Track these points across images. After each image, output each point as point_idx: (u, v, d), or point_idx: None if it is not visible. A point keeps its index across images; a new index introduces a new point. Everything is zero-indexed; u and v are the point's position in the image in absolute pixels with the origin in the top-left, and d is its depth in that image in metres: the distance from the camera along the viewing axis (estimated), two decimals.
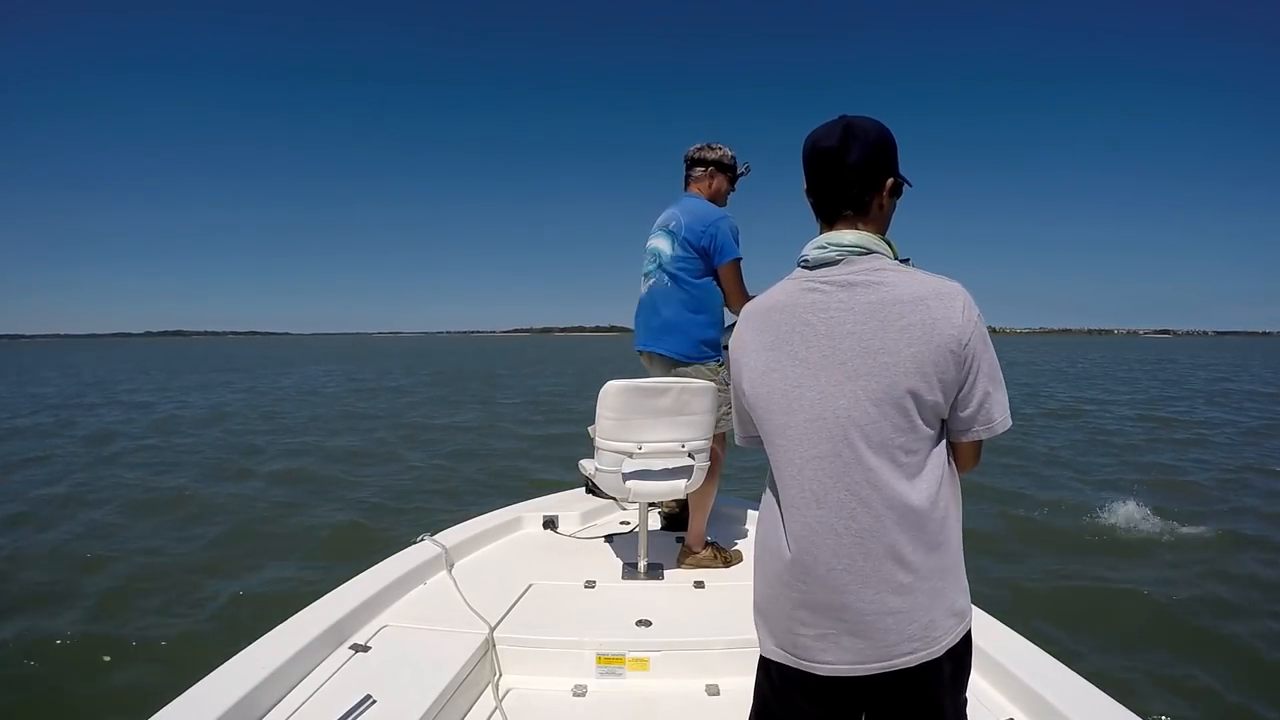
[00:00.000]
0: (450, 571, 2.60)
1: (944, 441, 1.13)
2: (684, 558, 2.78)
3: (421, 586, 2.48)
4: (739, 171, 2.90)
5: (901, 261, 1.14)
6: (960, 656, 1.14)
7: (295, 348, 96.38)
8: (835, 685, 1.11)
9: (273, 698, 1.71)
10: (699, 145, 2.86)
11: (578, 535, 3.15)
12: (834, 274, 1.12)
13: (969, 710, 1.22)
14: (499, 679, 2.06)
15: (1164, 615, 4.36)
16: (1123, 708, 1.59)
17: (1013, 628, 2.01)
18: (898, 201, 1.20)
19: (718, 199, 2.85)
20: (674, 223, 2.75)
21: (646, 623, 2.20)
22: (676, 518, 3.21)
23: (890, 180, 1.15)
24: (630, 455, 2.53)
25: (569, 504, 3.37)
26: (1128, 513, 6.50)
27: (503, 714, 1.89)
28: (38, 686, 3.53)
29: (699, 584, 2.57)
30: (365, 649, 1.99)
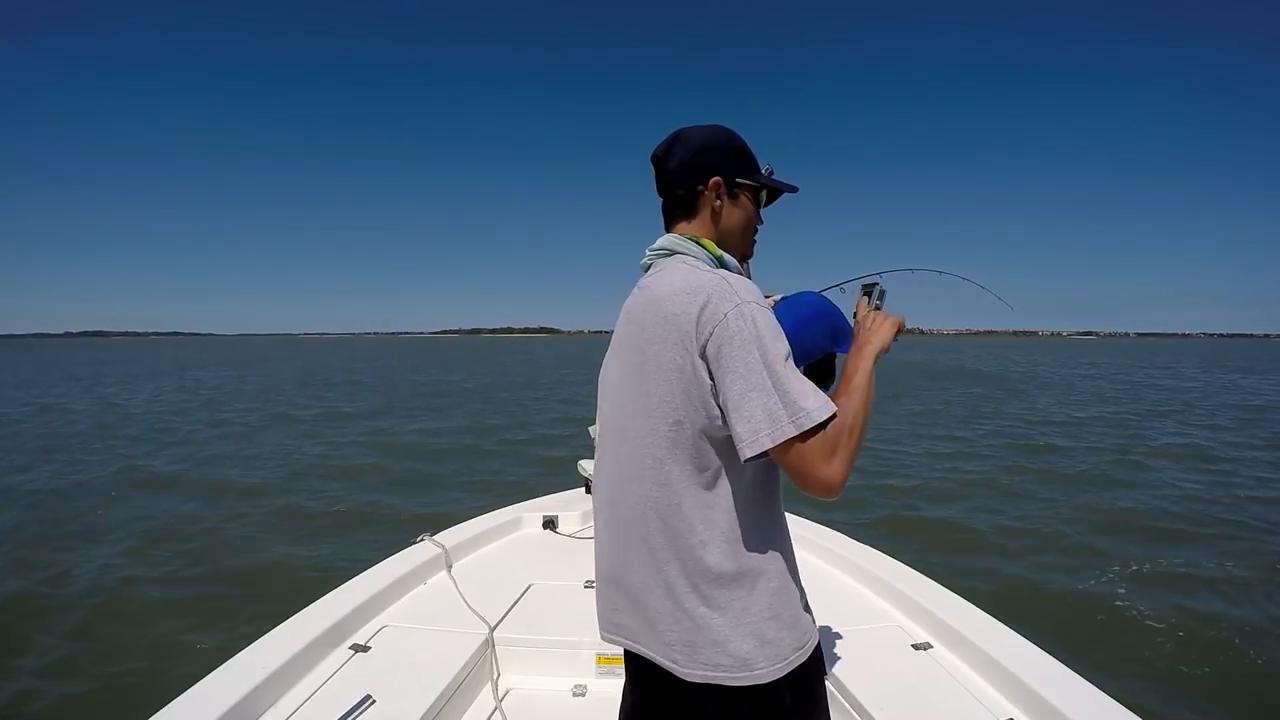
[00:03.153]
0: (450, 571, 2.60)
1: (731, 462, 1.04)
2: None
3: (421, 586, 2.48)
4: None
5: (714, 260, 1.14)
6: None
7: (205, 349, 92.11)
8: None
9: (273, 698, 1.71)
10: None
11: (578, 535, 3.15)
12: (644, 278, 1.19)
13: (970, 710, 1.22)
14: (499, 679, 2.06)
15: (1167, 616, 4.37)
16: (1123, 708, 1.59)
17: (1013, 628, 2.01)
18: (750, 200, 1.20)
19: None
20: None
21: None
22: None
23: (715, 179, 1.15)
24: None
25: (569, 504, 3.37)
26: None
27: (502, 714, 1.89)
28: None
29: None
30: (365, 649, 1.99)
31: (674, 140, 1.18)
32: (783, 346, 1.01)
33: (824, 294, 1.37)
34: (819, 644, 1.14)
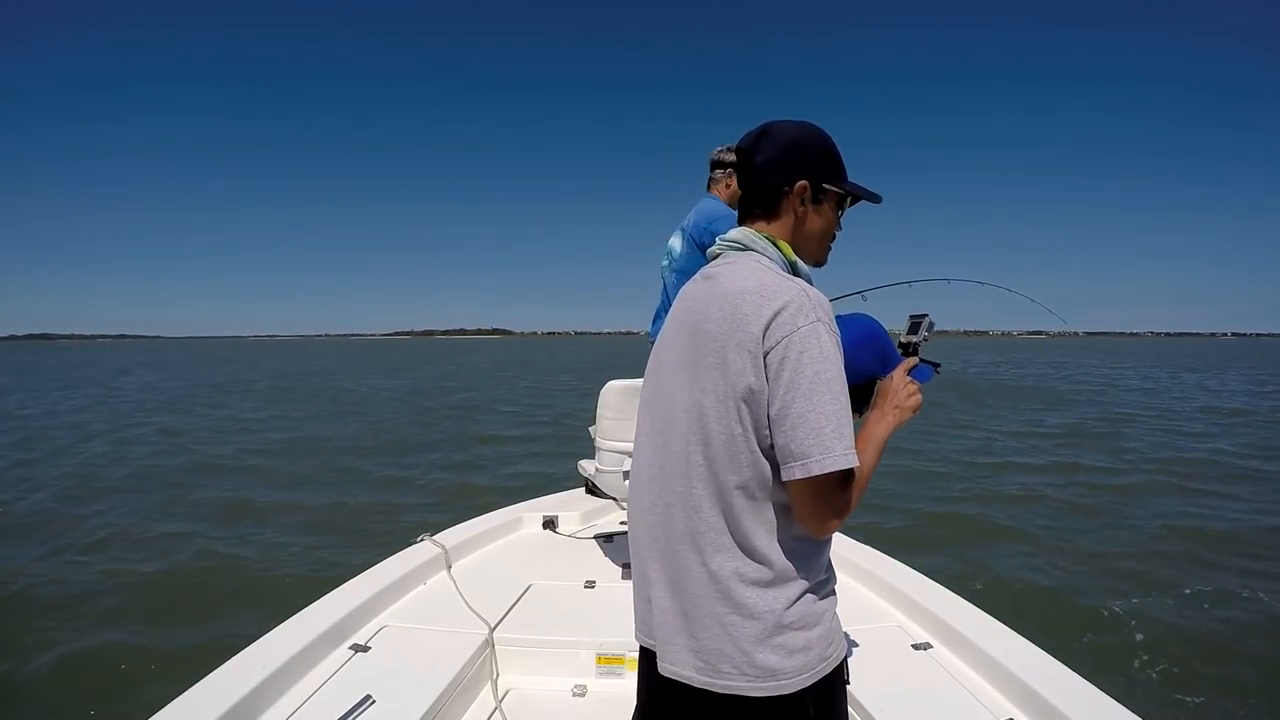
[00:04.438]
0: (450, 572, 2.60)
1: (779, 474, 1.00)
2: None
3: (421, 587, 2.47)
4: None
5: (788, 265, 1.10)
6: None
7: (151, 352, 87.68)
8: None
9: (273, 698, 1.71)
10: (721, 148, 2.91)
11: (578, 535, 3.15)
12: (710, 267, 1.14)
13: (970, 710, 1.21)
14: (498, 679, 2.05)
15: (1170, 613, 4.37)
16: (1122, 708, 1.59)
17: (1013, 628, 2.01)
18: (833, 207, 1.15)
19: (735, 201, 2.88)
20: (686, 221, 2.85)
21: None
22: None
23: (801, 182, 1.10)
24: (631, 455, 2.53)
25: (569, 504, 3.37)
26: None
27: (502, 714, 1.89)
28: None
29: None
30: (365, 649, 1.99)
31: (762, 134, 1.13)
32: (843, 375, 0.99)
33: (868, 316, 1.33)
34: (846, 652, 1.11)
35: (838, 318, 1.26)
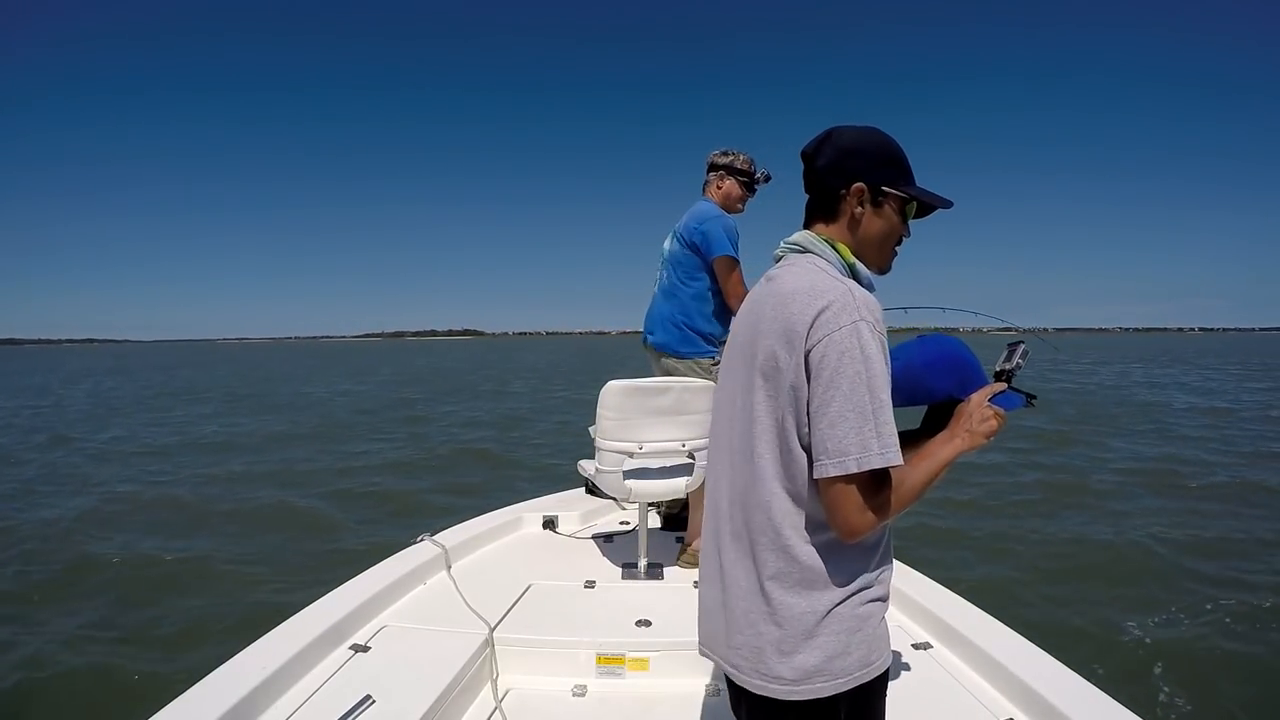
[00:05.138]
0: (450, 572, 2.60)
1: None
2: (683, 557, 2.78)
3: (421, 587, 2.48)
4: (756, 178, 2.95)
5: (845, 266, 1.12)
6: None
7: (106, 357, 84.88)
8: None
9: (273, 698, 1.70)
10: (717, 151, 2.95)
11: (578, 535, 3.15)
12: (772, 269, 1.17)
13: (970, 710, 1.22)
14: (498, 679, 2.05)
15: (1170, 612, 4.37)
16: (1123, 708, 1.59)
17: (1013, 628, 2.01)
18: (895, 211, 1.15)
19: (730, 203, 2.93)
20: (679, 223, 2.89)
21: (646, 623, 2.19)
22: (676, 518, 3.22)
23: (858, 185, 1.12)
24: (631, 455, 2.54)
25: (569, 504, 3.37)
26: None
27: (502, 714, 1.89)
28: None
29: (699, 584, 2.57)
30: (365, 649, 1.99)
31: (825, 139, 1.15)
32: (888, 376, 0.99)
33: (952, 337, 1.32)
34: (889, 660, 1.09)
35: (921, 337, 1.28)
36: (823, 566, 1.01)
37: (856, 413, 0.95)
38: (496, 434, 12.73)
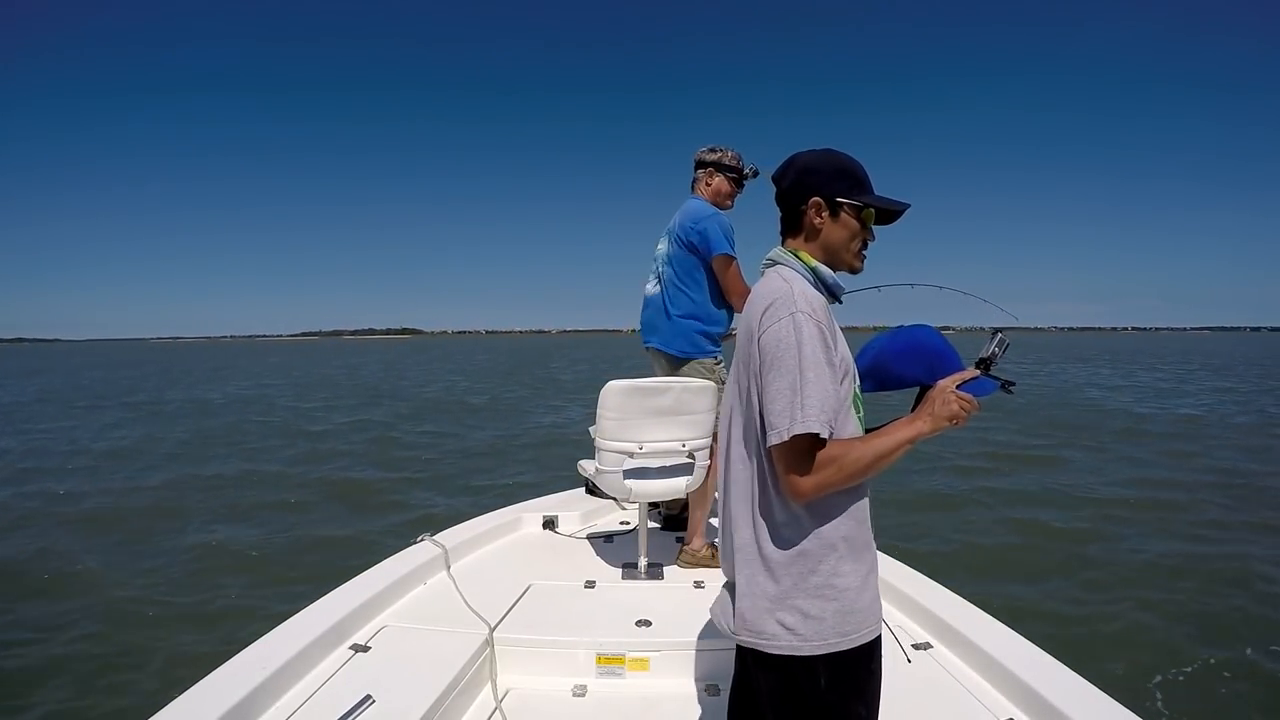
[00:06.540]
0: (450, 572, 2.60)
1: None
2: (683, 557, 2.78)
3: (421, 587, 2.48)
4: (744, 173, 2.93)
5: (808, 270, 1.26)
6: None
7: (34, 357, 79.51)
8: None
9: (273, 698, 1.71)
10: (704, 148, 2.92)
11: (577, 535, 3.15)
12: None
13: (970, 710, 1.25)
14: (498, 679, 2.05)
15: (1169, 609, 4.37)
16: (1122, 707, 1.59)
17: (1013, 628, 2.01)
18: (853, 218, 1.26)
19: (719, 199, 2.90)
20: (673, 223, 2.87)
21: (646, 623, 2.19)
22: (676, 518, 3.22)
23: (815, 199, 1.25)
24: (631, 455, 2.53)
25: (569, 504, 3.37)
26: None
27: (502, 714, 1.89)
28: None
29: (699, 584, 2.57)
30: (365, 649, 1.99)
31: (788, 163, 1.31)
32: (820, 357, 1.11)
33: (927, 326, 1.40)
34: (877, 640, 1.19)
35: (896, 329, 1.41)
36: (798, 536, 1.16)
37: (790, 389, 1.10)
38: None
